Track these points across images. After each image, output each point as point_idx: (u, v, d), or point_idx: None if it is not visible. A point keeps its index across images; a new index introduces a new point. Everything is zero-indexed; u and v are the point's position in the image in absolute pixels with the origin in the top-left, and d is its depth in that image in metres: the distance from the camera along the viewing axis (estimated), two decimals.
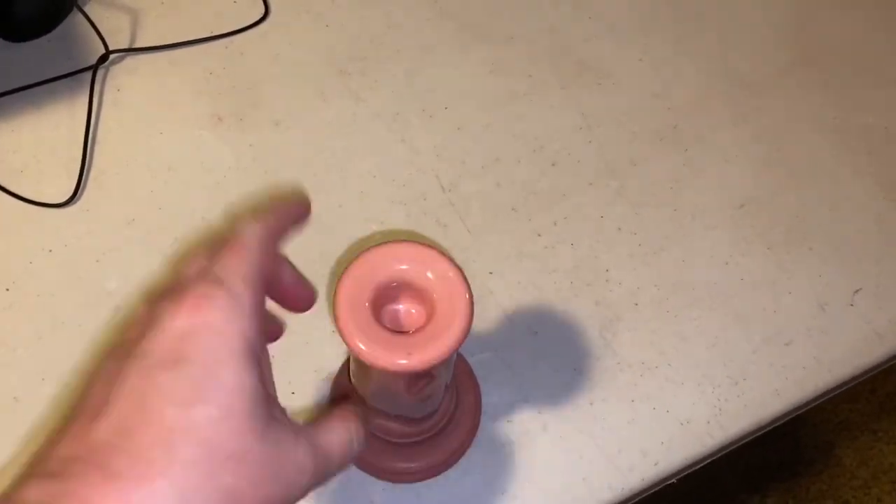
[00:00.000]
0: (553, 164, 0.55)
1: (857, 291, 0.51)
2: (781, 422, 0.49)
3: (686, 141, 0.56)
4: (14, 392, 0.44)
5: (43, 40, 0.56)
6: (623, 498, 0.45)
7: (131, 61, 0.56)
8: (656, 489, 0.46)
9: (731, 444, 0.47)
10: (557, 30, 0.61)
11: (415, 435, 0.42)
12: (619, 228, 0.52)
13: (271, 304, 0.31)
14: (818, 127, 0.58)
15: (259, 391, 0.26)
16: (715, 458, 0.48)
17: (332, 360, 0.46)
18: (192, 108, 0.55)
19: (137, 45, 0.57)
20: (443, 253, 0.34)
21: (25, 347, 0.46)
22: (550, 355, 0.47)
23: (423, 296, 0.34)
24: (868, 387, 1.29)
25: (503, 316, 0.48)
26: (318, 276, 0.49)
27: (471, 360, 0.47)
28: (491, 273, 0.50)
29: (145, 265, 0.49)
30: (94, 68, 0.54)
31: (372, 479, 0.43)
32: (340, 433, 0.29)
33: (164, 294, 0.27)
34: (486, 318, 0.48)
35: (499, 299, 0.49)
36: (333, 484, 0.43)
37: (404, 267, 0.33)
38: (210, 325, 0.26)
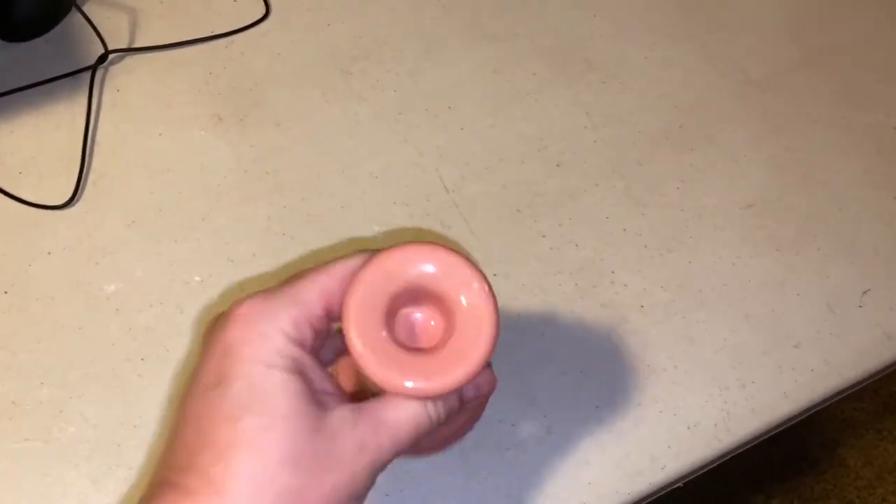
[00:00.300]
0: (558, 165, 0.54)
1: (865, 292, 0.51)
2: (789, 424, 0.49)
3: (693, 140, 0.56)
4: (12, 396, 0.44)
5: (41, 40, 0.56)
6: (629, 502, 0.44)
7: (131, 61, 0.56)
8: (663, 493, 0.46)
9: (739, 447, 0.47)
10: (562, 28, 0.60)
11: None
12: (625, 229, 0.52)
13: None
14: (827, 126, 0.57)
15: (303, 392, 0.27)
16: (723, 460, 0.47)
17: None
18: (192, 108, 0.54)
19: (137, 44, 0.56)
20: (471, 262, 0.31)
21: (24, 351, 0.45)
22: (556, 358, 0.47)
23: (442, 306, 0.31)
24: (873, 386, 1.28)
25: (508, 318, 0.48)
26: None
27: None
28: (495, 275, 0.49)
29: (145, 268, 0.48)
30: (93, 68, 0.54)
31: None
32: (408, 407, 0.29)
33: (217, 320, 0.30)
34: None
35: (504, 301, 0.48)
36: None
37: (426, 272, 0.30)
38: (245, 341, 0.28)
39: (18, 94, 0.53)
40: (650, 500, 0.46)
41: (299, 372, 0.28)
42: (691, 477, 0.46)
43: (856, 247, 0.52)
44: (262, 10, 0.58)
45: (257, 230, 0.50)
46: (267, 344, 0.28)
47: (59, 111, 0.53)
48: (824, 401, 0.48)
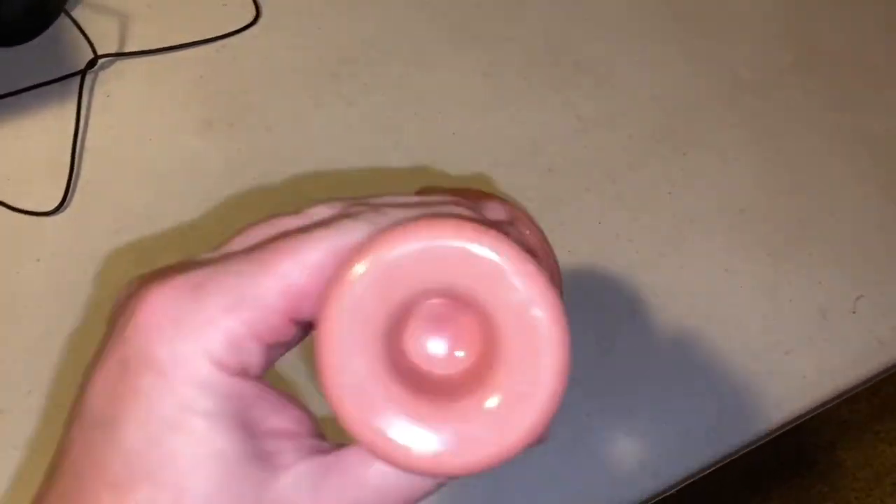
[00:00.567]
0: (549, 169, 0.54)
1: (858, 298, 0.50)
2: (782, 431, 0.48)
3: (685, 145, 0.56)
4: (0, 404, 0.44)
5: (30, 45, 0.55)
6: None
7: (120, 66, 0.55)
8: (656, 500, 0.46)
9: (731, 454, 0.46)
10: (553, 31, 0.60)
11: None
12: (617, 235, 0.51)
13: None
14: (819, 130, 0.57)
15: (235, 452, 0.18)
16: (715, 467, 0.47)
17: None
18: (182, 113, 0.54)
19: (126, 49, 0.56)
20: (534, 264, 0.19)
21: (12, 358, 0.45)
22: None
23: (478, 312, 0.20)
24: (870, 387, 1.29)
25: None
26: None
27: None
28: None
29: (135, 274, 0.48)
30: (82, 73, 0.54)
31: None
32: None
33: (134, 291, 0.20)
34: None
35: None
36: None
37: (456, 277, 0.19)
38: (150, 362, 0.18)
39: (7, 99, 0.53)
40: None
41: (233, 416, 0.18)
42: (683, 484, 0.46)
43: (848, 253, 0.52)
44: (252, 14, 0.58)
45: None
46: (183, 373, 0.18)
47: (48, 116, 0.53)
48: (816, 408, 0.48)
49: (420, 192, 0.24)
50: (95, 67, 0.55)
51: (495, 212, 0.23)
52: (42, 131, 0.52)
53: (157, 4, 0.58)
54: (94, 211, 0.50)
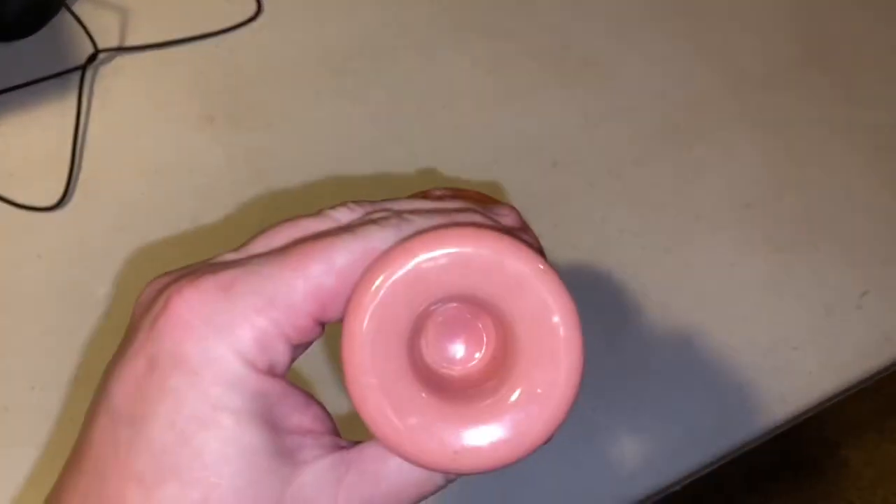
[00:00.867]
0: (554, 165, 0.53)
1: (864, 293, 0.50)
2: (787, 427, 0.48)
3: (690, 140, 0.55)
4: (3, 401, 0.43)
5: (30, 40, 0.55)
6: None
7: (121, 61, 0.55)
8: (660, 497, 0.46)
9: (736, 450, 0.46)
10: (558, 26, 0.60)
11: None
12: (622, 230, 0.51)
13: None
14: (825, 124, 0.57)
15: (262, 448, 0.19)
16: (720, 464, 0.47)
17: None
18: (183, 108, 0.54)
19: (127, 44, 0.56)
20: (552, 275, 0.21)
21: (14, 354, 0.45)
22: None
23: (492, 320, 0.22)
24: (875, 386, 1.28)
25: None
26: None
27: None
28: None
29: (135, 270, 0.48)
30: (82, 68, 0.53)
31: None
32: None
33: (165, 287, 0.20)
34: None
35: None
36: None
37: (481, 286, 0.20)
38: (180, 360, 0.18)
39: (7, 94, 0.53)
40: (647, 503, 0.45)
41: (260, 413, 0.19)
42: (688, 481, 0.46)
43: (854, 248, 0.52)
44: (254, 9, 0.58)
45: (249, 232, 0.49)
46: (213, 371, 0.18)
47: (49, 112, 0.53)
48: (822, 403, 0.48)
49: (427, 194, 0.25)
50: (96, 62, 0.54)
51: (508, 218, 0.24)
52: (42, 126, 0.52)
53: None
54: (95, 206, 0.50)
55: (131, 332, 0.20)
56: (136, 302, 0.21)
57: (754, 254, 0.51)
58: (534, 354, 0.20)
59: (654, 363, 0.47)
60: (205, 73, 0.55)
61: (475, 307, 0.21)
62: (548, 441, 0.21)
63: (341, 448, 0.21)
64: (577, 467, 0.43)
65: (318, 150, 0.53)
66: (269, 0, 0.59)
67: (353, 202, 0.22)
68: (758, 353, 0.48)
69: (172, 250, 0.48)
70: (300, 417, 0.20)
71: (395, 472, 0.21)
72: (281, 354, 0.20)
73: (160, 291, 0.20)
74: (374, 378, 0.20)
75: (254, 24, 0.58)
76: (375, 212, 0.22)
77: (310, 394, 0.21)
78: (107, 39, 0.55)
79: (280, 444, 0.19)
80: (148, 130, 0.53)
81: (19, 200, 0.49)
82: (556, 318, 0.20)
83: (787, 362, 0.47)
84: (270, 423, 0.19)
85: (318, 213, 0.22)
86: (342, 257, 0.20)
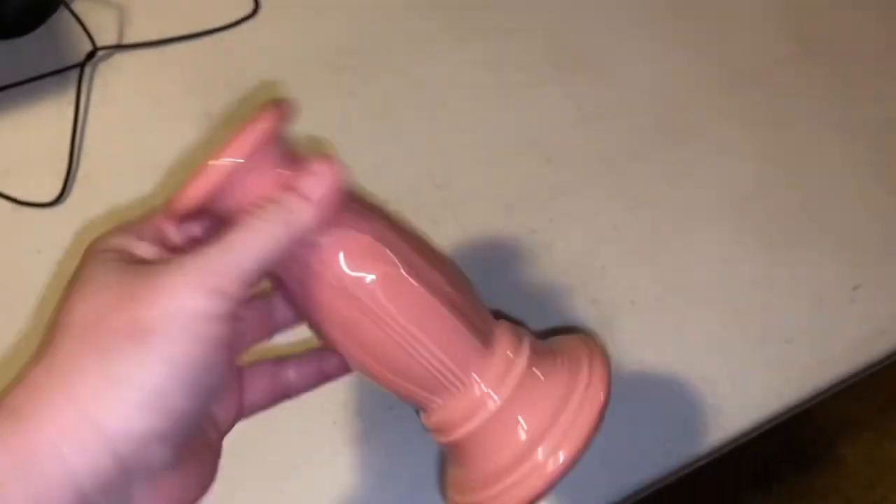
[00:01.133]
0: (548, 160, 0.54)
1: (857, 287, 0.50)
2: (781, 420, 0.48)
3: (684, 135, 0.55)
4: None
5: (29, 37, 0.56)
6: (621, 498, 0.44)
7: (119, 58, 0.56)
8: (655, 489, 0.46)
9: (730, 443, 0.46)
10: (553, 23, 0.60)
11: None
12: (616, 225, 0.51)
13: None
14: (818, 119, 0.57)
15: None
16: (714, 457, 0.47)
17: None
18: (182, 105, 0.54)
19: (125, 41, 0.56)
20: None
21: (14, 350, 0.45)
22: None
23: None
24: (872, 384, 1.28)
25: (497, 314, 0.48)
26: None
27: None
28: (485, 271, 0.49)
29: None
30: (81, 66, 0.54)
31: (370, 465, 0.43)
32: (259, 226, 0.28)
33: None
34: None
35: (493, 298, 0.48)
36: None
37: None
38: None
39: (6, 91, 0.53)
40: (641, 496, 0.46)
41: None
42: (682, 473, 0.46)
43: (847, 242, 0.52)
44: (252, 7, 0.58)
45: None
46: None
47: (47, 109, 0.53)
48: (815, 396, 0.48)
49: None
50: (94, 59, 0.55)
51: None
52: (41, 123, 0.53)
53: None
54: (94, 202, 0.50)
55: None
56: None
57: (747, 248, 0.51)
58: None
59: (649, 356, 0.47)
60: (202, 70, 0.56)
61: None
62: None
63: None
64: None
65: (314, 147, 0.53)
66: None
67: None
68: (751, 346, 0.48)
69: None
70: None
71: (237, 231, 0.27)
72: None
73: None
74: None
75: (251, 22, 0.58)
76: None
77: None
78: (105, 37, 0.56)
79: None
80: (146, 127, 0.53)
81: (18, 196, 0.50)
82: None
83: (781, 356, 0.48)
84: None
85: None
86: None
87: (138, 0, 0.58)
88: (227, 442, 0.32)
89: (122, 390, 0.24)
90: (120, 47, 0.56)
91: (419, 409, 0.33)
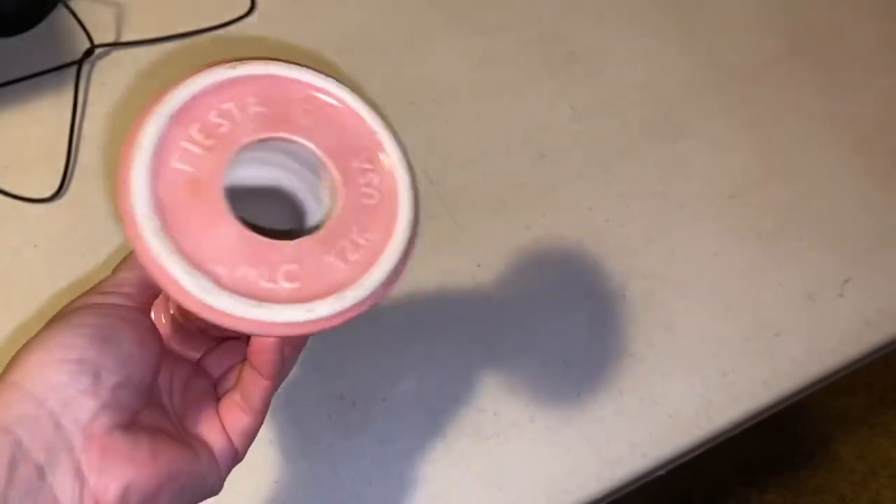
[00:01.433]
0: (541, 156, 0.54)
1: (846, 281, 0.51)
2: (771, 413, 0.49)
3: (675, 131, 0.56)
4: None
5: (27, 35, 0.56)
6: (611, 490, 0.44)
7: (117, 56, 0.56)
8: (645, 481, 0.46)
9: (719, 435, 0.47)
10: (546, 20, 0.61)
11: None
12: (608, 220, 0.52)
13: None
14: (808, 116, 0.58)
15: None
16: (704, 449, 0.47)
17: None
18: None
19: (123, 39, 0.56)
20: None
21: (11, 344, 0.46)
22: (538, 347, 0.47)
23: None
24: (866, 380, 1.29)
25: (491, 308, 0.48)
26: None
27: (458, 352, 0.46)
28: (479, 266, 0.50)
29: None
30: (79, 63, 0.54)
31: (360, 473, 0.43)
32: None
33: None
34: (474, 311, 0.48)
35: (487, 292, 0.49)
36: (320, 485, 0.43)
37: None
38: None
39: (4, 88, 0.53)
40: (632, 487, 0.46)
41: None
42: (672, 465, 0.47)
43: (837, 236, 0.53)
44: (248, 5, 0.59)
45: None
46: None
47: (46, 106, 0.53)
48: (804, 389, 0.48)
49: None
50: (92, 57, 0.55)
51: None
52: (39, 120, 0.53)
53: None
54: (91, 198, 0.51)
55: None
56: None
57: (738, 242, 0.52)
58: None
59: (639, 349, 0.48)
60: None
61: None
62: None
63: None
64: (563, 450, 0.44)
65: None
66: None
67: None
68: (742, 339, 0.49)
69: None
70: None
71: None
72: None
73: None
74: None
75: (248, 20, 0.58)
76: None
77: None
78: (103, 35, 0.56)
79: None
80: None
81: (16, 192, 0.50)
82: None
83: (770, 349, 0.48)
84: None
85: None
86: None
87: None
88: None
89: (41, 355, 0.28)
90: (118, 45, 0.56)
91: None
